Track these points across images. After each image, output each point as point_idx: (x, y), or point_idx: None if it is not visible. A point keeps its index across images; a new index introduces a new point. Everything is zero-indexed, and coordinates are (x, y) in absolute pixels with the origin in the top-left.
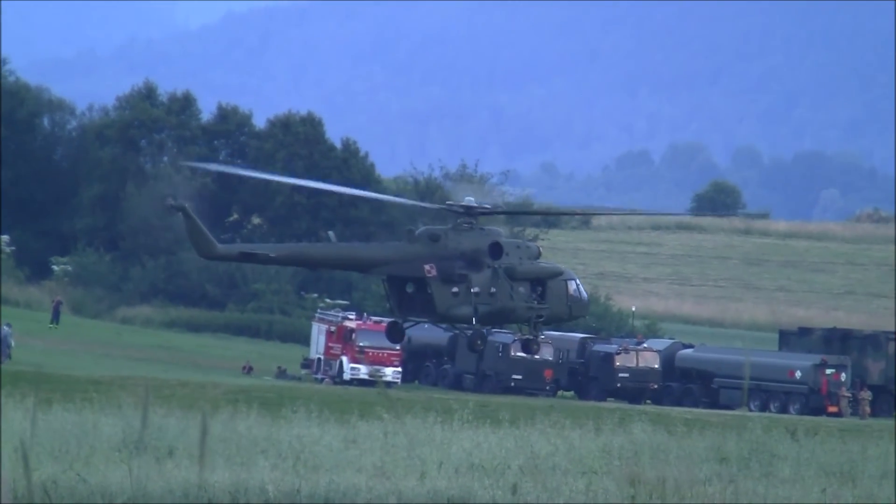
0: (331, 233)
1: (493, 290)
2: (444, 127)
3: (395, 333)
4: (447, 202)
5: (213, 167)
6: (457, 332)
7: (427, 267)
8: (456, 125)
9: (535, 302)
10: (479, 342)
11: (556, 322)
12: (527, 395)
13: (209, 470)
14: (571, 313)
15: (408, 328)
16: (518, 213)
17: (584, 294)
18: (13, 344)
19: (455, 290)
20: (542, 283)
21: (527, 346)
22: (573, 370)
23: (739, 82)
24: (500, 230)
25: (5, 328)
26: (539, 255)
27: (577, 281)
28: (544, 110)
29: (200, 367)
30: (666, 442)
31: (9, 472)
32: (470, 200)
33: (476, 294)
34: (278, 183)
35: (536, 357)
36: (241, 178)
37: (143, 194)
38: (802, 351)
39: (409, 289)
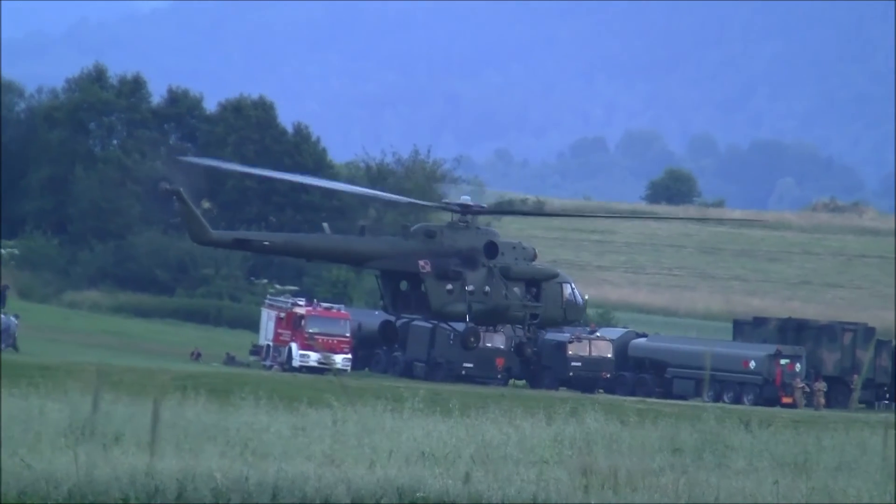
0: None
1: (487, 288)
2: (400, 113)
3: (388, 333)
4: (443, 200)
5: (210, 162)
6: (408, 319)
7: (422, 263)
8: (411, 111)
9: (530, 302)
10: (472, 339)
11: (551, 325)
12: (478, 383)
13: (157, 457)
14: (566, 316)
15: (399, 325)
16: (514, 214)
17: (580, 298)
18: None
19: (449, 287)
20: (537, 284)
21: (520, 350)
22: (525, 359)
23: (696, 71)
24: (497, 230)
25: (12, 319)
26: (535, 256)
27: (573, 284)
28: (501, 97)
29: (149, 353)
30: (618, 432)
31: None
32: (466, 199)
33: (470, 292)
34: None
35: (488, 345)
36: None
37: (91, 177)
38: (757, 341)
39: (404, 286)
